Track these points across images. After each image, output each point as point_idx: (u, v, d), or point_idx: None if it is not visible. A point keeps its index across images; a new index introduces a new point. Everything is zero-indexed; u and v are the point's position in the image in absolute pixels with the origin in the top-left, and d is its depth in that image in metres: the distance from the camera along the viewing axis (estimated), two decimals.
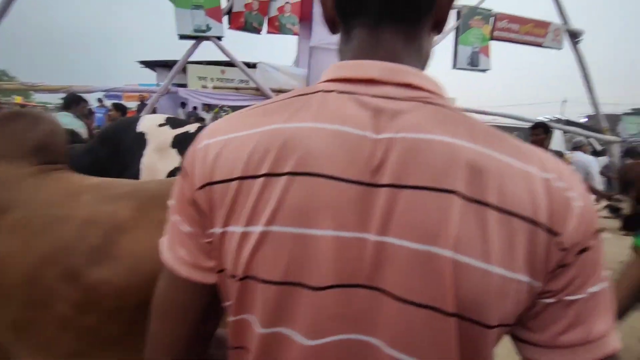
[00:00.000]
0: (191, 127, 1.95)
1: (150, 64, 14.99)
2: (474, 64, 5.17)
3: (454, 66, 5.15)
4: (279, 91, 5.07)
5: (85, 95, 3.75)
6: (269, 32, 5.31)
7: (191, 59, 9.63)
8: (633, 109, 24.56)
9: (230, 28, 5.81)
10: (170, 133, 1.90)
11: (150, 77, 15.22)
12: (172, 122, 1.99)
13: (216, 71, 10.81)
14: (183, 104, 10.16)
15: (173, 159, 1.84)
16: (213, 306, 0.41)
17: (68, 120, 3.04)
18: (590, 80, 5.66)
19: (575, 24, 5.62)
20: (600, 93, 5.78)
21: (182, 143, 1.88)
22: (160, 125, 1.94)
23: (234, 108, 5.17)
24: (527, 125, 7.69)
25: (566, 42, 5.60)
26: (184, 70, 11.45)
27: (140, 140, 1.87)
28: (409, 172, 0.32)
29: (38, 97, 14.56)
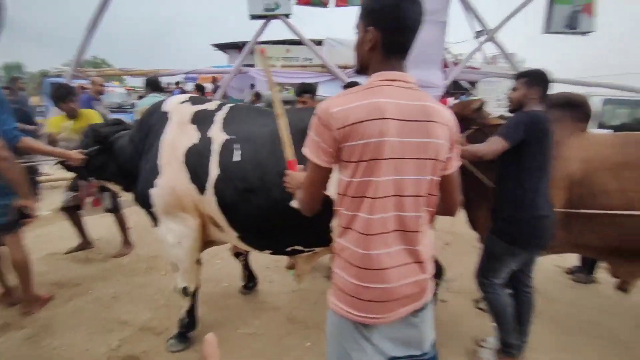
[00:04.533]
0: (210, 105, 1.95)
1: (222, 47, 15.82)
2: (572, 25, 4.40)
3: (547, 30, 4.44)
4: (345, 67, 4.94)
5: (168, 78, 4.09)
6: (337, 5, 5.14)
7: (258, 40, 9.92)
8: None
9: (298, 4, 5.78)
10: (190, 109, 1.93)
11: (222, 59, 16.11)
12: (194, 100, 2.02)
13: (281, 50, 10.96)
14: (252, 85, 10.58)
15: (191, 135, 1.84)
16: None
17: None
18: None
19: None
20: None
21: (201, 119, 1.87)
22: (182, 102, 1.98)
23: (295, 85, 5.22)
24: (637, 96, 6.34)
25: None
26: (252, 51, 11.92)
27: (163, 119, 1.93)
28: (411, 115, 0.92)
29: (130, 81, 16.43)
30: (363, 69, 1.01)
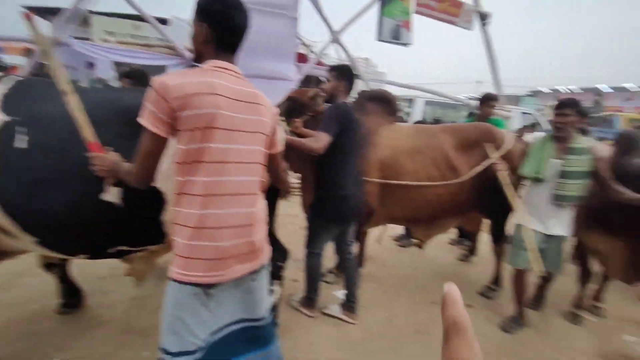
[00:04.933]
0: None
1: (41, 11, 12.48)
2: (396, 37, 5.32)
3: (378, 38, 5.23)
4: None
5: None
6: None
7: (98, 9, 8.25)
8: (531, 91, 28.43)
9: None
10: None
11: (43, 28, 12.73)
12: None
13: (127, 26, 9.44)
14: (90, 64, 8.75)
15: None
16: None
17: None
18: (495, 62, 6.26)
19: (487, 7, 6.09)
20: (505, 75, 6.45)
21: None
22: None
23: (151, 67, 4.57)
24: (448, 101, 8.29)
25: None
26: (87, 23, 9.80)
27: None
28: (239, 96, 1.08)
29: None
30: (198, 58, 1.14)
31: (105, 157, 1.19)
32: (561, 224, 2.26)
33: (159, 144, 1.03)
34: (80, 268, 2.71)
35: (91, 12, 8.46)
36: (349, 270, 2.38)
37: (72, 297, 2.30)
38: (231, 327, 1.16)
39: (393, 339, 2.23)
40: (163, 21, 5.90)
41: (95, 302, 2.41)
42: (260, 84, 4.36)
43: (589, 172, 2.13)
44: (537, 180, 2.21)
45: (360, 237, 2.81)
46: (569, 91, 25.32)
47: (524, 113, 8.53)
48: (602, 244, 2.37)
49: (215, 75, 1.04)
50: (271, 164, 1.27)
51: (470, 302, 2.81)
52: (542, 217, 2.25)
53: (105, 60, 6.66)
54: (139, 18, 8.73)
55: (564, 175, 2.12)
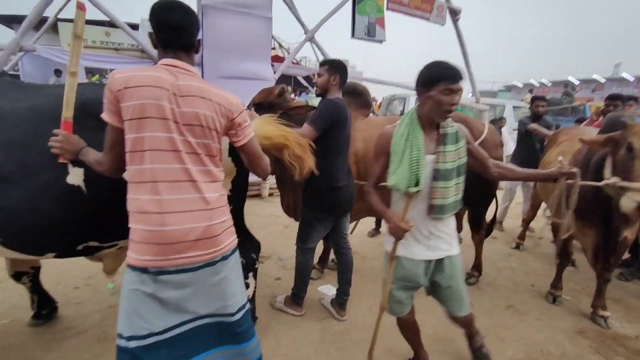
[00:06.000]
0: None
1: (5, 19, 12.02)
2: (370, 34, 5.38)
3: (352, 35, 5.28)
4: None
5: None
6: None
7: (66, 16, 7.98)
8: (505, 86, 29.32)
9: None
10: None
11: (6, 36, 12.27)
12: None
13: (99, 33, 9.24)
14: (58, 71, 8.48)
15: None
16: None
17: None
18: (467, 57, 6.42)
19: (457, 3, 6.24)
20: (483, 71, 6.60)
21: None
22: None
23: None
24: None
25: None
26: (56, 30, 9.49)
27: None
28: (185, 91, 1.12)
29: None
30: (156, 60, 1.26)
31: (71, 136, 1.29)
32: (449, 240, 1.60)
33: (119, 134, 1.11)
34: (54, 279, 2.62)
35: (59, 19, 8.24)
36: (344, 265, 2.37)
37: (43, 308, 2.21)
38: (198, 321, 1.18)
39: None
40: (134, 26, 5.77)
41: (70, 312, 2.33)
42: (238, 85, 4.32)
43: (462, 165, 1.53)
44: (413, 192, 1.47)
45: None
46: (542, 84, 26.22)
47: (515, 107, 8.69)
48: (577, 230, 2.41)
49: (162, 71, 1.12)
50: (246, 154, 1.35)
51: None
52: (420, 238, 1.56)
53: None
54: (111, 24, 8.57)
55: (439, 175, 1.47)
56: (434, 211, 1.50)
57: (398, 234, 1.52)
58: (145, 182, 1.07)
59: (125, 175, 1.11)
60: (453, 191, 1.51)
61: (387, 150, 1.55)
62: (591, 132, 2.69)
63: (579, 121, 5.26)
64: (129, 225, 1.10)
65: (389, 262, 1.63)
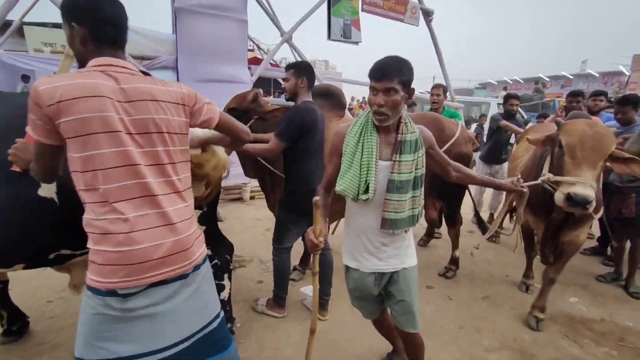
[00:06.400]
0: None
1: None
2: (346, 35, 5.44)
3: (329, 37, 5.32)
4: (142, 58, 4.45)
5: None
6: None
7: (32, 19, 7.64)
8: (480, 84, 30.18)
9: None
10: None
11: None
12: None
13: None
14: (26, 77, 8.11)
15: None
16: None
17: None
18: (441, 56, 6.59)
19: (430, 4, 6.40)
20: (459, 69, 6.77)
21: None
22: None
23: None
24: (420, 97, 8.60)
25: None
26: (22, 34, 9.10)
27: None
28: (132, 96, 0.99)
29: None
30: (80, 61, 1.07)
31: (27, 147, 1.14)
32: (403, 252, 1.44)
33: (49, 150, 0.98)
34: (28, 293, 2.52)
35: (25, 22, 7.89)
36: (323, 265, 2.38)
37: (15, 324, 2.13)
38: (181, 345, 1.10)
39: (356, 328, 2.27)
40: None
41: (44, 326, 2.25)
42: (215, 89, 4.26)
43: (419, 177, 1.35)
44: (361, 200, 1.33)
45: None
46: (515, 81, 27.13)
47: (500, 104, 8.94)
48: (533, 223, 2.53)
49: (99, 75, 0.96)
50: (222, 130, 1.29)
51: (430, 284, 2.93)
52: (371, 249, 1.40)
53: (44, 71, 6.19)
54: None
55: (393, 187, 1.30)
56: (387, 225, 1.32)
57: (311, 248, 1.34)
58: (104, 203, 0.96)
59: (80, 196, 1.00)
60: (409, 205, 1.33)
61: (340, 151, 1.39)
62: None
63: (542, 117, 5.50)
64: (88, 246, 1.00)
65: (312, 280, 1.45)
